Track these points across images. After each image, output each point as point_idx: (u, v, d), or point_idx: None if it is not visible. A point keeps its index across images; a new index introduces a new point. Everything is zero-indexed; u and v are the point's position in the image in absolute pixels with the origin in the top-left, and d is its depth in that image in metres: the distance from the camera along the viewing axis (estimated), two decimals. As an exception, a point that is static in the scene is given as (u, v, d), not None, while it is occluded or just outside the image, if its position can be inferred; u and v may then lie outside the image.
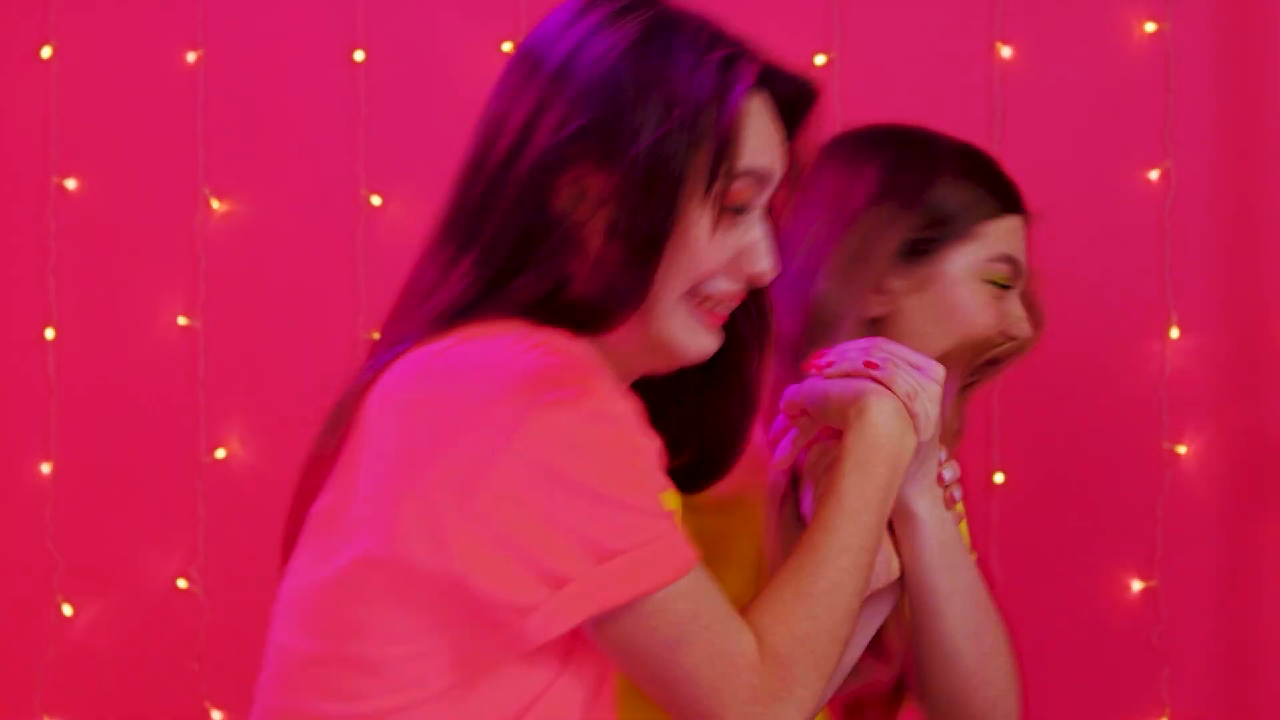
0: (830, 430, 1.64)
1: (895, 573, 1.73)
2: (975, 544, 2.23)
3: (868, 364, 1.58)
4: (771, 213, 1.56)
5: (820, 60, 3.10)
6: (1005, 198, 1.92)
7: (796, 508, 1.69)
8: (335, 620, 1.41)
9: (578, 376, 1.36)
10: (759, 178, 1.52)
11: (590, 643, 1.42)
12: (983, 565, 1.83)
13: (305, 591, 1.46)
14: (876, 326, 1.87)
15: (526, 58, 1.56)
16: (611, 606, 1.36)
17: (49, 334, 3.30)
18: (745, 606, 1.44)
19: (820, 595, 1.44)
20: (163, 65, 3.28)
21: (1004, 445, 2.98)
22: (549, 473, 1.33)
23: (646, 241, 1.44)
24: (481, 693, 1.39)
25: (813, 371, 1.64)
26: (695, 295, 1.50)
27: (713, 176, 1.46)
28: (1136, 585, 2.96)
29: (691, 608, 1.38)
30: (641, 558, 1.35)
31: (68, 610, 3.30)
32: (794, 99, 1.57)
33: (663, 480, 1.41)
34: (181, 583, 3.27)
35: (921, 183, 1.88)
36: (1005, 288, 1.91)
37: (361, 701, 1.40)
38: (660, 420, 1.51)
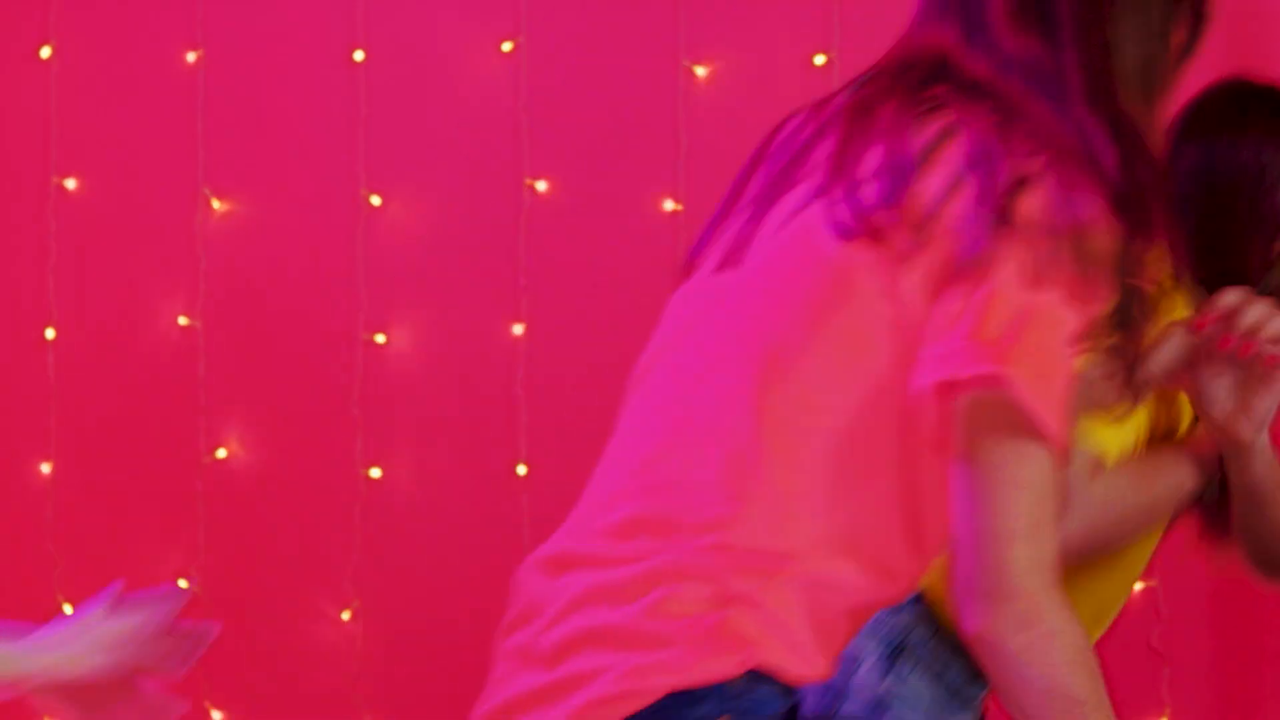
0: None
1: None
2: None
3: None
4: None
5: (820, 60, 3.10)
6: None
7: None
8: (838, 314, 1.45)
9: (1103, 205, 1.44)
10: None
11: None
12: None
13: (821, 281, 1.47)
14: None
15: None
16: (1003, 382, 1.40)
17: (49, 334, 3.29)
18: None
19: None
20: (163, 65, 3.28)
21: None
22: (1044, 270, 1.40)
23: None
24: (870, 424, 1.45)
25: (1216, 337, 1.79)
26: None
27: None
28: (1136, 585, 2.96)
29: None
30: (1049, 365, 1.40)
31: (68, 610, 3.30)
32: None
33: None
34: (181, 583, 3.27)
35: None
36: None
37: (829, 395, 1.45)
38: None
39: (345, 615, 3.26)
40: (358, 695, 3.24)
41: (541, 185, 3.21)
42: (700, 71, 3.16)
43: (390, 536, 3.25)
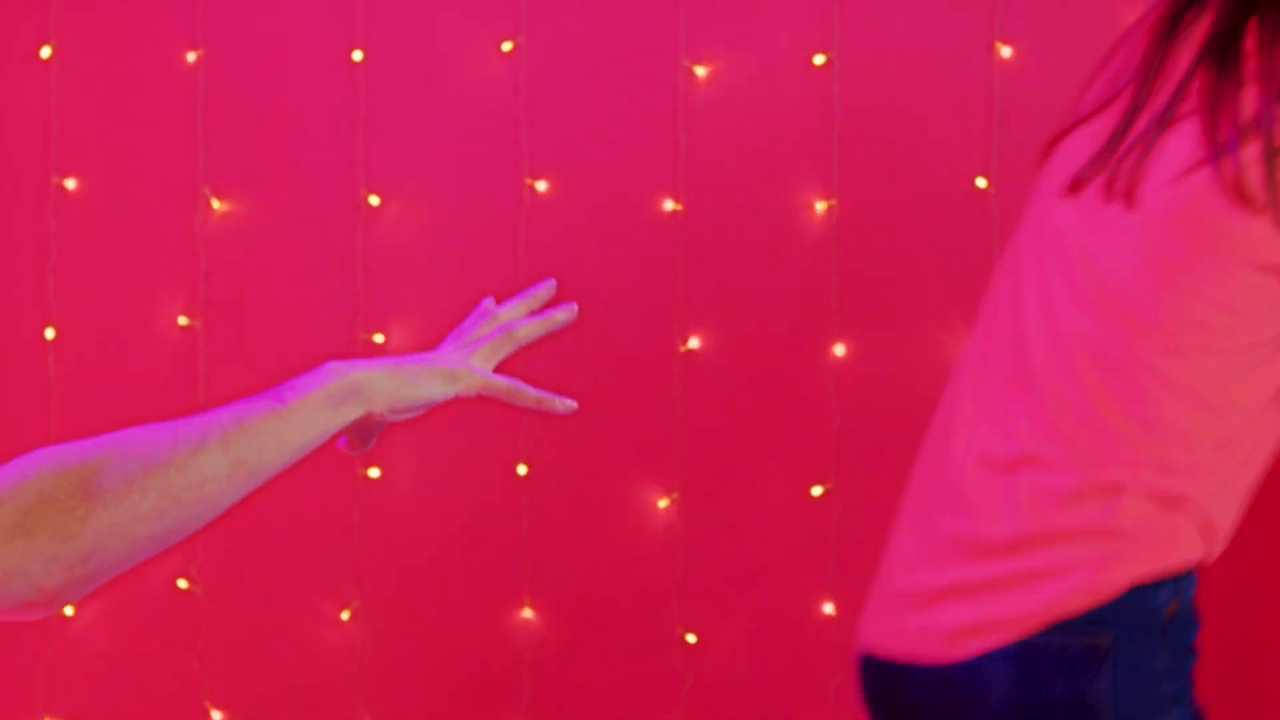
0: None
1: None
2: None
3: None
4: None
5: (820, 60, 3.10)
6: None
7: None
8: (1221, 275, 1.74)
9: None
10: None
11: None
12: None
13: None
14: None
15: None
16: None
17: (49, 334, 3.30)
18: None
19: None
20: (163, 65, 3.28)
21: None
22: None
23: None
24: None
25: None
26: None
27: None
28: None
29: None
30: None
31: (68, 610, 3.30)
32: None
33: None
34: (181, 583, 3.27)
35: None
36: None
37: (1215, 354, 1.74)
38: None
39: (345, 615, 3.26)
40: (358, 695, 3.24)
41: (541, 185, 3.21)
42: (700, 71, 3.16)
43: (390, 536, 3.25)
